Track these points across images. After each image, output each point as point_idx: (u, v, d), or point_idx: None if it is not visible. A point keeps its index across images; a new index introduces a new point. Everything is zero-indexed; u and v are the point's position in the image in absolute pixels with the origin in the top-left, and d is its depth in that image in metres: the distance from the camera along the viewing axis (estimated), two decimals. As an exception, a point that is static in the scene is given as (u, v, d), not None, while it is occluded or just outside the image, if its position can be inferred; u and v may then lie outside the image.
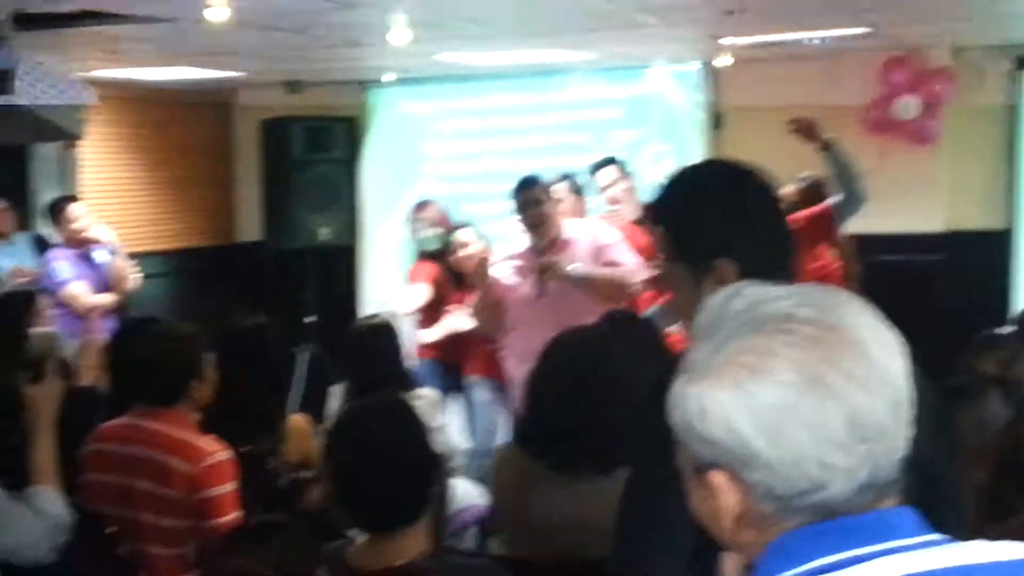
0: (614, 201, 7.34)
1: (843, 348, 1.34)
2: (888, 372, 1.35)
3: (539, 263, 6.24)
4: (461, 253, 7.12)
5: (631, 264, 6.34)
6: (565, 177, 7.38)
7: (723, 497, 1.39)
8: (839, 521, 1.35)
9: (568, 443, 3.64)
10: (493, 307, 6.33)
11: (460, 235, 7.22)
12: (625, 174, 7.43)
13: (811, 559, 1.34)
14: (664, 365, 2.14)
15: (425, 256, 7.53)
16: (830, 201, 6.58)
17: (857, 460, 1.33)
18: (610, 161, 7.55)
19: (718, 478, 1.38)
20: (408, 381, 5.60)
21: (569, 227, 6.42)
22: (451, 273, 7.32)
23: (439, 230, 7.42)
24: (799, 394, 1.32)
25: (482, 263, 6.44)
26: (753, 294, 1.43)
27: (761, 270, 2.11)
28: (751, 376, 1.34)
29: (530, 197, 6.31)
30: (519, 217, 6.34)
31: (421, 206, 7.68)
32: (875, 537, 1.34)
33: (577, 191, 7.34)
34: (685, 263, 2.28)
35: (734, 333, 1.39)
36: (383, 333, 5.70)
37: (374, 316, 6.31)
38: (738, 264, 2.22)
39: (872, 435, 1.33)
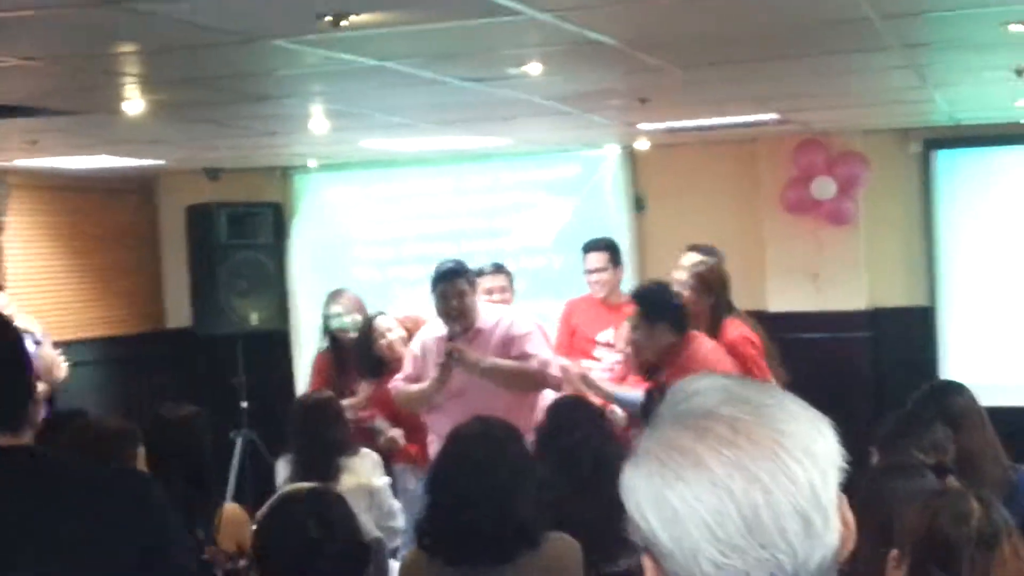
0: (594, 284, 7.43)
1: (755, 450, 1.33)
2: (799, 478, 1.33)
3: (445, 348, 6.31)
4: (382, 341, 7.14)
5: (543, 356, 6.39)
6: (498, 267, 7.41)
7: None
8: None
9: (462, 536, 3.69)
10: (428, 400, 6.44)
11: (380, 322, 7.24)
12: (614, 261, 7.48)
13: None
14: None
15: (332, 344, 7.54)
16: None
17: (753, 564, 1.32)
18: (600, 246, 7.56)
19: (647, 561, 1.40)
20: (351, 447, 5.79)
21: (484, 315, 6.49)
22: (342, 362, 7.37)
23: (356, 316, 7.46)
24: (698, 493, 1.32)
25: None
26: (693, 387, 1.43)
27: None
28: (660, 470, 1.35)
29: (451, 289, 6.35)
30: (439, 306, 6.40)
31: (336, 294, 7.71)
32: None
33: (510, 280, 7.40)
34: None
35: (664, 422, 1.40)
36: (326, 406, 5.93)
37: (317, 392, 6.44)
38: None
39: (771, 541, 1.32)
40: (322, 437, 5.71)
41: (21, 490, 2.41)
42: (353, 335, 7.38)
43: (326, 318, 7.59)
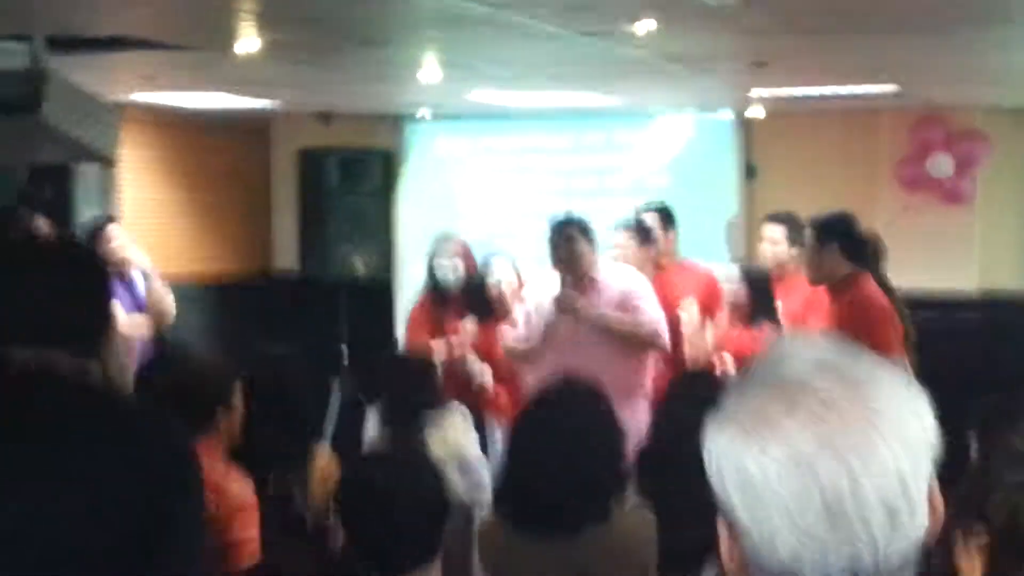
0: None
1: (846, 431, 1.27)
2: (889, 466, 1.27)
3: (555, 297, 6.30)
4: (492, 281, 7.16)
5: (652, 317, 6.36)
6: (625, 225, 7.15)
7: (723, 545, 1.38)
8: None
9: (532, 501, 3.67)
10: (532, 355, 6.44)
11: (495, 264, 7.25)
12: (657, 230, 7.18)
13: None
14: None
15: (433, 291, 7.55)
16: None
17: (832, 553, 1.27)
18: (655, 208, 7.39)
19: (721, 526, 1.37)
20: (439, 402, 5.66)
21: (603, 270, 6.47)
22: (444, 303, 7.33)
23: (459, 265, 7.41)
24: (782, 473, 1.27)
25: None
26: (788, 349, 1.39)
27: None
28: (744, 439, 1.30)
29: (563, 235, 6.37)
30: (551, 254, 6.41)
31: (443, 240, 7.68)
32: None
33: (646, 237, 7.08)
34: None
35: (754, 386, 1.36)
36: (417, 366, 5.85)
37: (411, 350, 6.43)
38: None
39: (853, 531, 1.27)
40: (409, 399, 5.57)
41: (42, 418, 2.43)
42: (455, 284, 7.37)
43: (431, 266, 7.55)
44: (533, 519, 3.66)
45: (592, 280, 6.38)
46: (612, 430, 3.84)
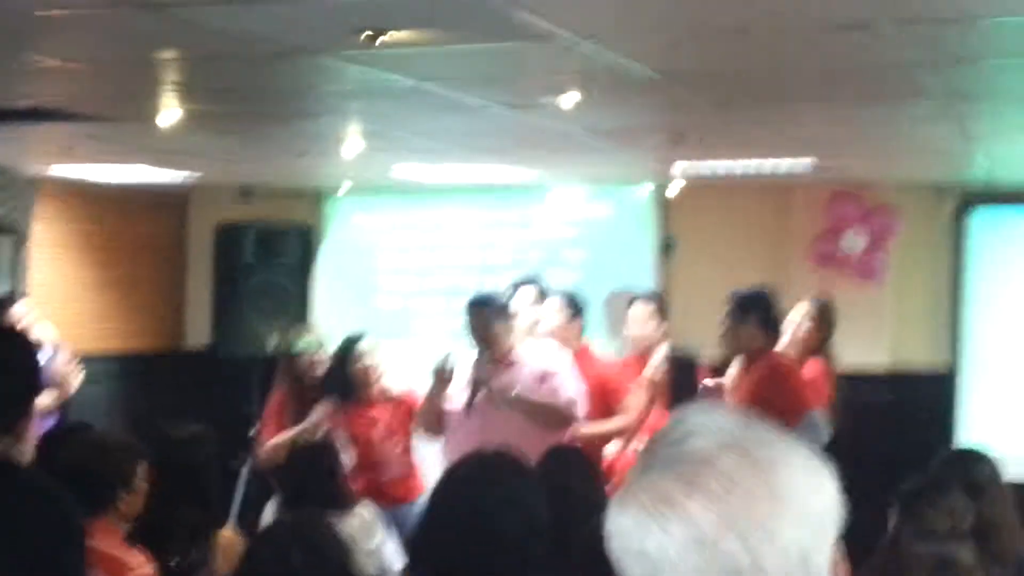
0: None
1: (748, 511, 1.28)
2: (790, 543, 1.28)
3: (471, 377, 6.26)
4: (359, 364, 6.94)
5: (571, 395, 6.34)
6: (562, 295, 7.16)
7: None
8: None
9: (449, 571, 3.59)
10: (434, 413, 6.39)
11: (363, 345, 7.00)
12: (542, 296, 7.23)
13: None
14: None
15: (291, 384, 7.27)
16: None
17: None
18: (529, 281, 7.40)
19: None
20: (343, 500, 5.49)
21: (521, 349, 6.44)
22: (301, 392, 7.16)
23: (317, 354, 7.28)
24: (682, 551, 1.28)
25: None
26: (691, 424, 1.37)
27: None
28: (645, 519, 1.30)
29: (479, 317, 6.34)
30: (469, 333, 6.37)
31: (307, 327, 7.69)
32: None
33: (577, 311, 7.09)
34: None
35: (657, 463, 1.34)
36: (320, 451, 5.69)
37: (314, 437, 6.27)
38: None
39: None
40: (311, 491, 5.37)
41: None
42: (312, 357, 7.18)
43: (289, 346, 7.33)
44: None
45: (510, 360, 6.35)
46: (533, 504, 3.77)
